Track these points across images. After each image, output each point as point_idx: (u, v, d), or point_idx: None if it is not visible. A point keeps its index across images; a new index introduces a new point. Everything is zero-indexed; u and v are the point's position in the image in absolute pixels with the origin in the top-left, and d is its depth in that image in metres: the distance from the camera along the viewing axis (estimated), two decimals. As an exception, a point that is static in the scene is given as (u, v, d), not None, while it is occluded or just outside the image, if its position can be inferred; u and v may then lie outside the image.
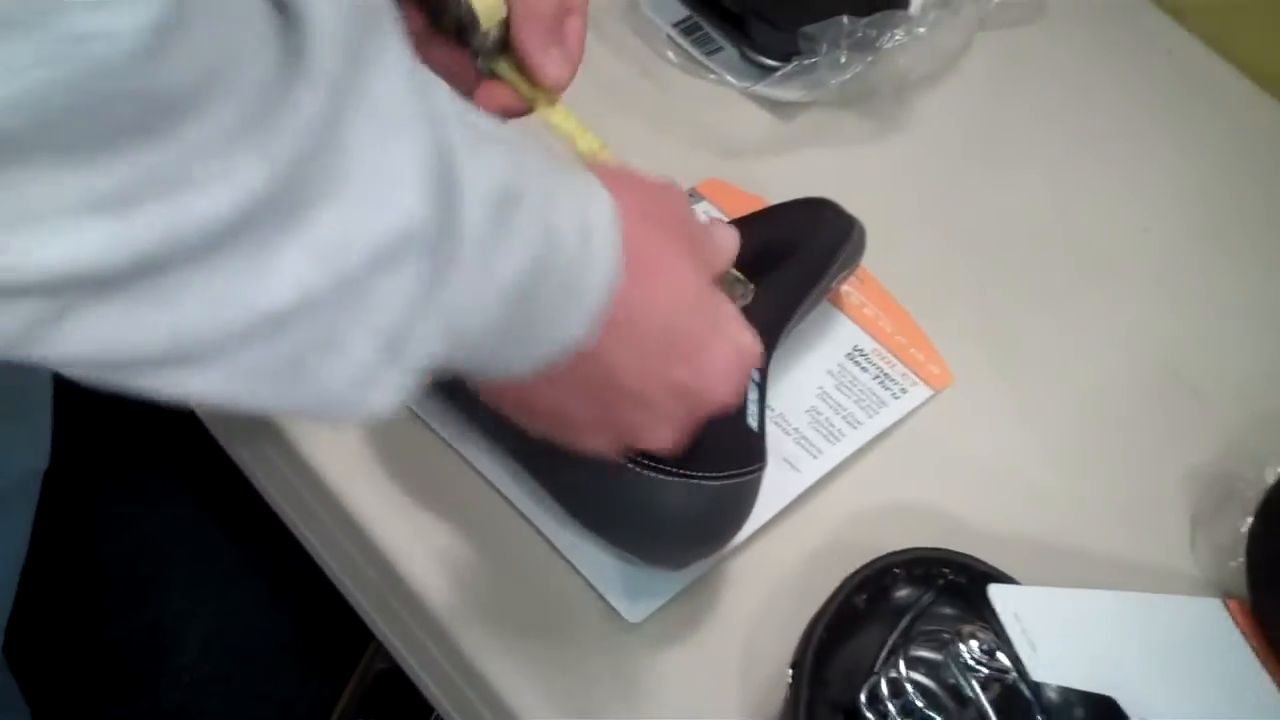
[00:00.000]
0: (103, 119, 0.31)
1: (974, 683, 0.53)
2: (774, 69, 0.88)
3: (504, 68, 0.60)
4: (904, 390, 0.76)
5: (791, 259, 0.72)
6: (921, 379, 0.76)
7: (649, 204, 0.51)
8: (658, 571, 0.65)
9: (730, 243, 0.56)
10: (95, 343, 0.34)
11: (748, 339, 0.54)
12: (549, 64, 0.60)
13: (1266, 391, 0.84)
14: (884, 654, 0.59)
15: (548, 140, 0.59)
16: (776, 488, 0.68)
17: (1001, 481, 0.75)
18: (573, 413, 0.50)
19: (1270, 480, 0.74)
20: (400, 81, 0.39)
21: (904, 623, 0.60)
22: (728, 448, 0.61)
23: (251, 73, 0.34)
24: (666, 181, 0.55)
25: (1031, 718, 0.53)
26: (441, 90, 0.41)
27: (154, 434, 1.30)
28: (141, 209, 0.32)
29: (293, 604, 1.33)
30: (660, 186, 0.55)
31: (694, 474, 0.58)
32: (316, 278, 0.37)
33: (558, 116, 0.61)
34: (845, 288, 0.78)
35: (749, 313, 0.67)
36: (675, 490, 0.58)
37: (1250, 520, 0.72)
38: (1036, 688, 0.54)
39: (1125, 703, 0.55)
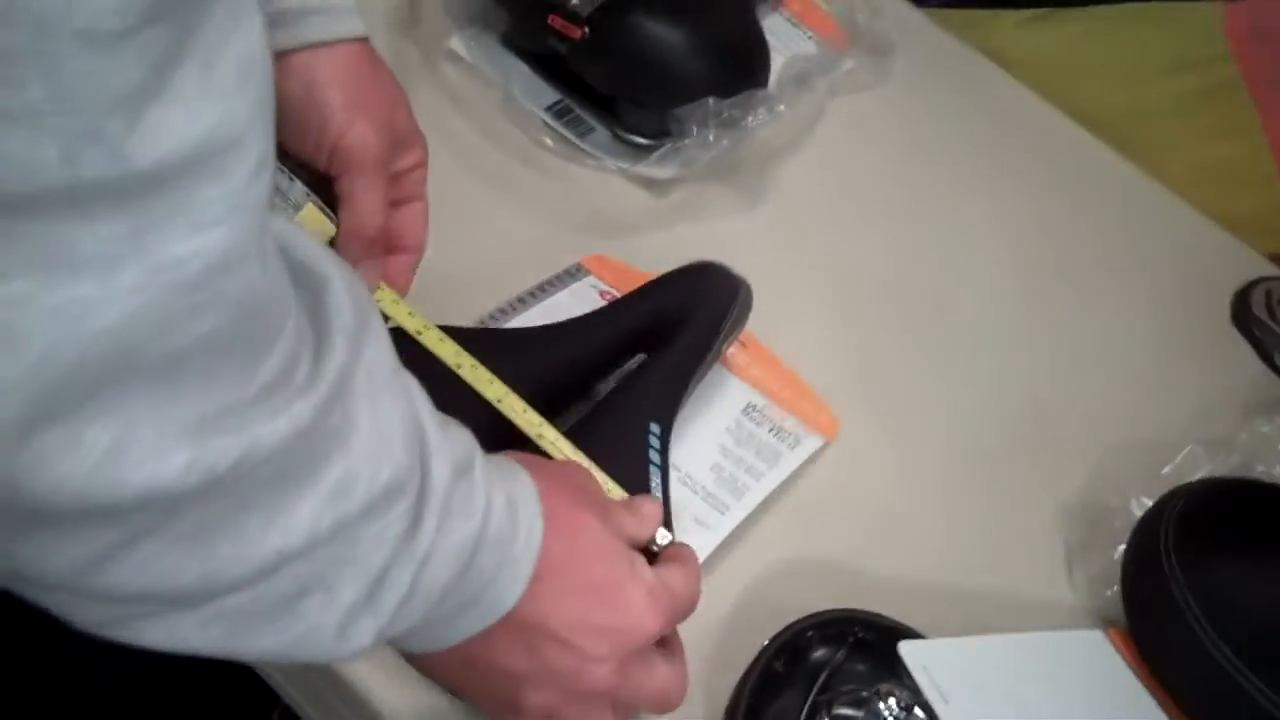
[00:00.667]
0: (192, 344, 0.33)
1: (895, 737, 0.57)
2: (644, 147, 0.92)
3: None
4: (798, 441, 0.79)
5: (684, 327, 0.74)
6: (812, 429, 0.80)
7: (557, 476, 0.56)
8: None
9: (654, 509, 0.61)
10: (145, 574, 0.37)
11: (671, 576, 0.57)
12: (366, 278, 0.68)
13: (1121, 423, 0.90)
14: (805, 713, 0.63)
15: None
16: (693, 544, 0.70)
17: (890, 530, 0.79)
18: (511, 667, 0.53)
19: (1135, 510, 0.79)
20: (387, 353, 0.44)
21: (820, 680, 0.64)
22: None
23: (295, 322, 0.38)
24: (569, 461, 0.63)
25: (948, 764, 0.58)
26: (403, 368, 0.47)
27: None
28: (222, 437, 0.35)
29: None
30: (565, 464, 0.61)
31: None
32: (324, 521, 0.41)
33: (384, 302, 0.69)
34: (731, 350, 0.81)
35: (650, 384, 0.71)
36: None
37: (1121, 549, 0.77)
38: (950, 736, 0.58)
39: (1031, 742, 0.60)
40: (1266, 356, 0.99)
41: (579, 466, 0.62)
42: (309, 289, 0.42)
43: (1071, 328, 0.96)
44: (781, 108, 0.91)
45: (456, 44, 0.94)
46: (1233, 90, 1.14)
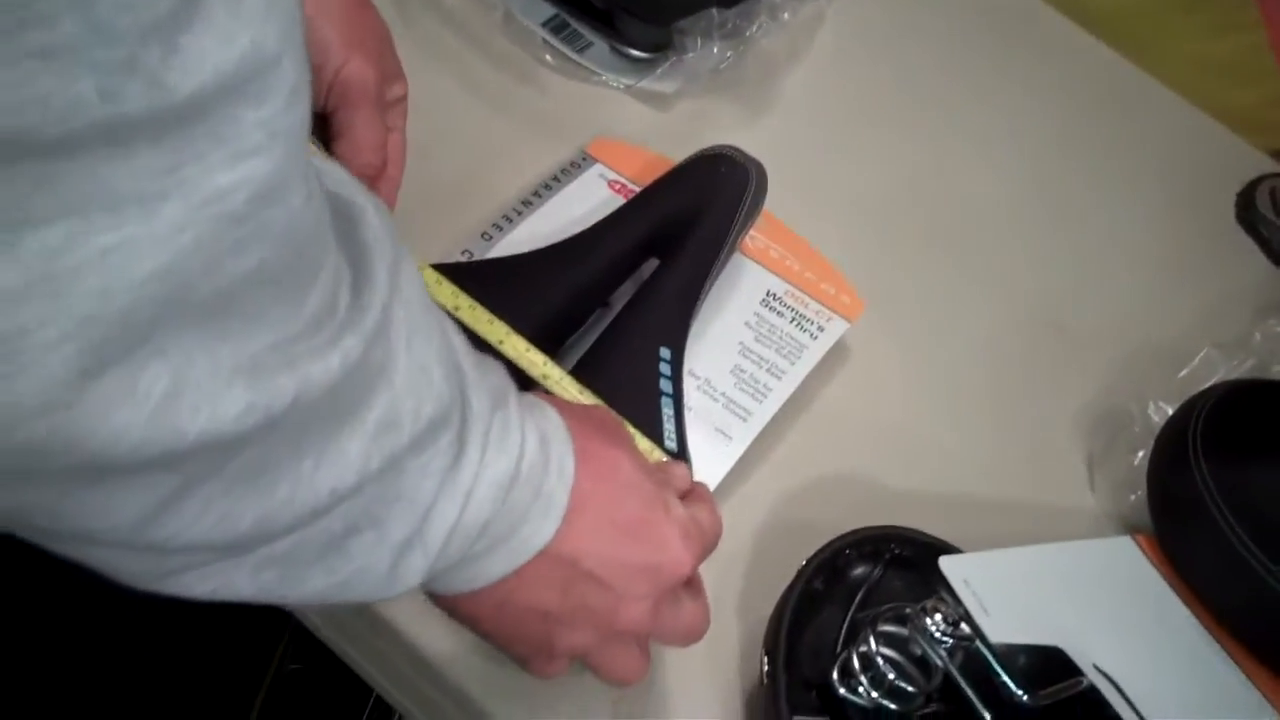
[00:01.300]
0: (240, 279, 0.32)
1: (942, 652, 0.57)
2: (643, 61, 0.90)
3: None
4: (821, 329, 0.77)
5: (696, 228, 0.73)
6: (835, 312, 0.78)
7: (584, 414, 0.55)
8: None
9: (683, 471, 0.60)
10: (202, 522, 0.36)
11: (701, 514, 0.57)
12: None
13: (1138, 330, 0.89)
14: (844, 630, 0.63)
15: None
16: (713, 459, 0.70)
17: (910, 445, 0.79)
18: (544, 607, 0.52)
19: (1154, 415, 0.80)
20: (420, 285, 0.43)
21: (858, 598, 0.64)
22: None
23: (335, 258, 0.37)
24: (595, 404, 0.62)
25: (994, 676, 0.58)
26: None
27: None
28: (276, 375, 0.34)
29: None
30: (591, 405, 0.61)
31: None
32: (374, 458, 0.40)
33: None
34: (749, 234, 0.79)
35: (658, 304, 0.70)
36: None
37: (1141, 455, 0.78)
38: (994, 648, 0.58)
39: (1071, 650, 0.60)
40: (1273, 254, 0.99)
41: (604, 408, 0.61)
42: (345, 218, 0.41)
43: (1079, 232, 0.95)
44: (785, 15, 0.89)
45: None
46: (1231, -16, 1.13)
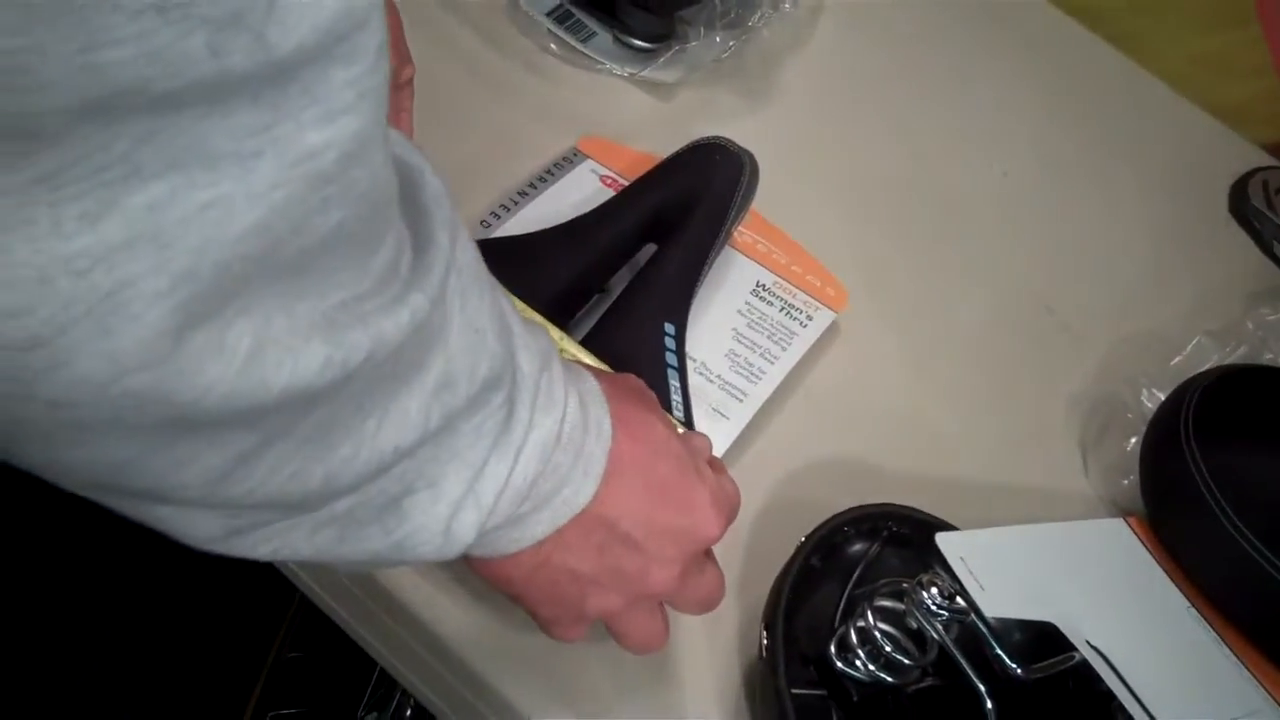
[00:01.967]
0: (323, 238, 0.33)
1: (938, 626, 0.58)
2: (646, 51, 0.91)
3: None
4: (809, 318, 0.79)
5: (693, 212, 0.74)
6: (822, 303, 0.80)
7: (616, 379, 0.57)
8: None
9: (704, 441, 0.60)
10: (274, 479, 0.37)
11: (726, 482, 0.57)
12: None
13: (1127, 316, 0.91)
14: (841, 606, 0.64)
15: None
16: (712, 436, 0.70)
17: (904, 427, 0.80)
18: (580, 568, 0.53)
19: (1147, 401, 0.81)
20: (474, 251, 0.44)
21: (855, 575, 0.65)
22: None
23: (400, 218, 0.38)
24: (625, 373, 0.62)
25: (988, 650, 0.59)
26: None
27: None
28: (350, 331, 0.35)
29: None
30: (620, 374, 0.60)
31: None
32: (433, 416, 0.41)
33: None
34: (737, 228, 0.81)
35: (660, 282, 0.71)
36: None
37: (1134, 440, 0.79)
38: (989, 623, 0.59)
39: (1064, 626, 0.61)
40: (1265, 246, 1.00)
41: (633, 376, 0.62)
42: (406, 179, 0.41)
43: (1073, 222, 0.97)
44: (787, 6, 0.91)
45: (457, -50, 0.93)
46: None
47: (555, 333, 0.66)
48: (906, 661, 0.60)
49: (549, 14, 0.92)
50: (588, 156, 0.84)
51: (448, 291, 0.41)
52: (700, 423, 0.71)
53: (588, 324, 0.71)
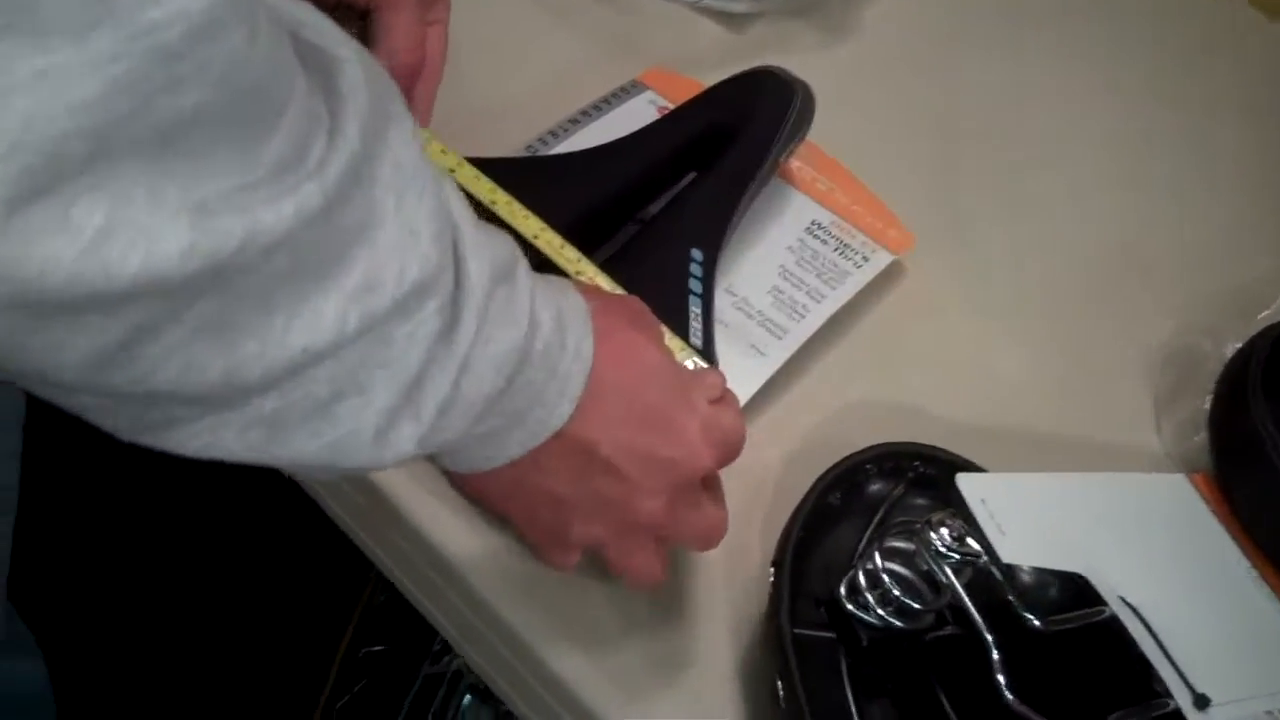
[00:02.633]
0: (180, 118, 0.32)
1: (947, 569, 0.55)
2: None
3: None
4: (865, 259, 0.75)
5: (735, 140, 0.71)
6: (882, 245, 0.76)
7: (612, 300, 0.55)
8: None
9: (717, 378, 0.58)
10: (164, 369, 0.36)
11: (725, 417, 0.55)
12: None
13: (1216, 267, 0.86)
14: (861, 547, 0.61)
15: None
16: (745, 375, 0.68)
17: (964, 372, 0.76)
18: (558, 492, 0.52)
19: (1228, 354, 0.76)
20: (415, 148, 0.42)
21: (878, 516, 0.62)
22: None
23: (303, 104, 0.37)
24: (629, 295, 0.60)
25: (1003, 599, 0.55)
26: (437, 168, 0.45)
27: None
28: (222, 218, 0.34)
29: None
30: (623, 295, 0.59)
31: None
32: (351, 320, 0.40)
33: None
34: (796, 163, 0.78)
35: (693, 207, 0.69)
36: None
37: (1210, 397, 0.74)
38: (1008, 570, 0.56)
39: (1096, 580, 0.57)
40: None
41: (637, 299, 0.60)
42: (321, 70, 0.40)
43: (1164, 164, 0.92)
44: (869, -64, 0.87)
45: None
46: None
47: (573, 254, 0.64)
48: (916, 606, 0.56)
49: (620, -60, 0.90)
50: (648, 87, 0.81)
51: (373, 188, 0.40)
52: (735, 359, 0.68)
53: (617, 247, 0.69)
